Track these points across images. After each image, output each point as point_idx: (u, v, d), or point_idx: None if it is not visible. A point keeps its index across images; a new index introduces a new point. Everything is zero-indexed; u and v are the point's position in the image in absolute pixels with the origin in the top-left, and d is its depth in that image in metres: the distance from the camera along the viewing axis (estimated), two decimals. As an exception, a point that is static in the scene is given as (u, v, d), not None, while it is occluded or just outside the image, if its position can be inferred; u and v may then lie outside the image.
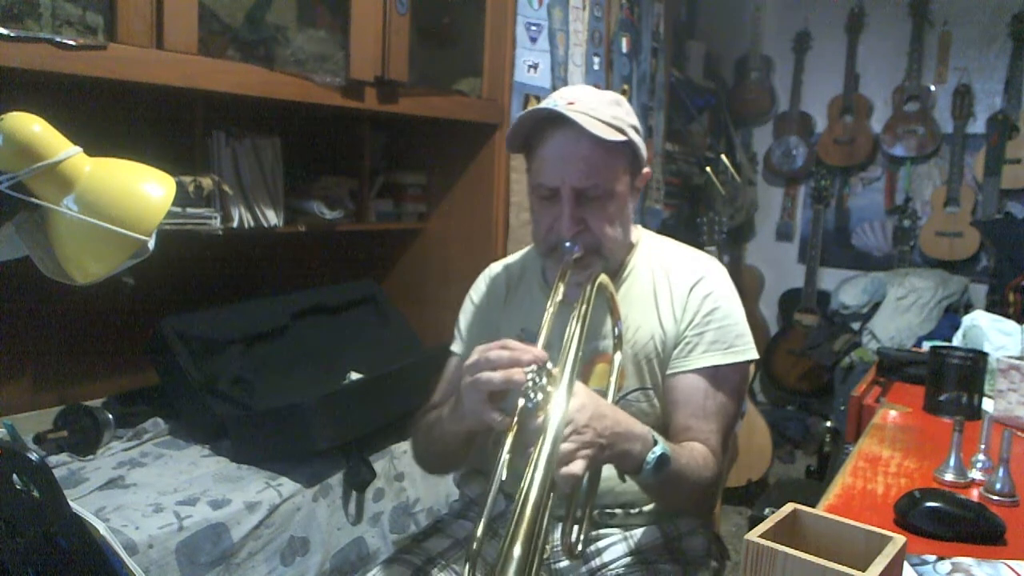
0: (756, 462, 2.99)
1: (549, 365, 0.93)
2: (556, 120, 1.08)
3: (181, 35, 1.42)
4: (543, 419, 0.87)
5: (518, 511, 0.78)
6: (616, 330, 1.13)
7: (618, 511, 1.17)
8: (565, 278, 1.08)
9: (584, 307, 1.02)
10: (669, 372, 1.16)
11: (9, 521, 0.67)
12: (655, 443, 0.98)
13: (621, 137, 1.09)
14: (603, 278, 1.09)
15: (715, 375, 1.14)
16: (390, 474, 1.75)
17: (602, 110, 1.09)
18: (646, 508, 1.17)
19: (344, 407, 1.61)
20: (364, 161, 2.21)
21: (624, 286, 1.21)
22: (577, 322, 0.99)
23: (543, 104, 1.11)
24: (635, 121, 1.14)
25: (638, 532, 1.17)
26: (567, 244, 1.10)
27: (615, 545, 1.16)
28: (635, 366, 1.17)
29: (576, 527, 0.97)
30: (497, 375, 0.93)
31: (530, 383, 0.90)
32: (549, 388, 0.90)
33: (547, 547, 1.16)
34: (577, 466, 0.87)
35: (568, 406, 0.89)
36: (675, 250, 1.26)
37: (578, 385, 0.94)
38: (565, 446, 0.87)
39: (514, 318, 1.25)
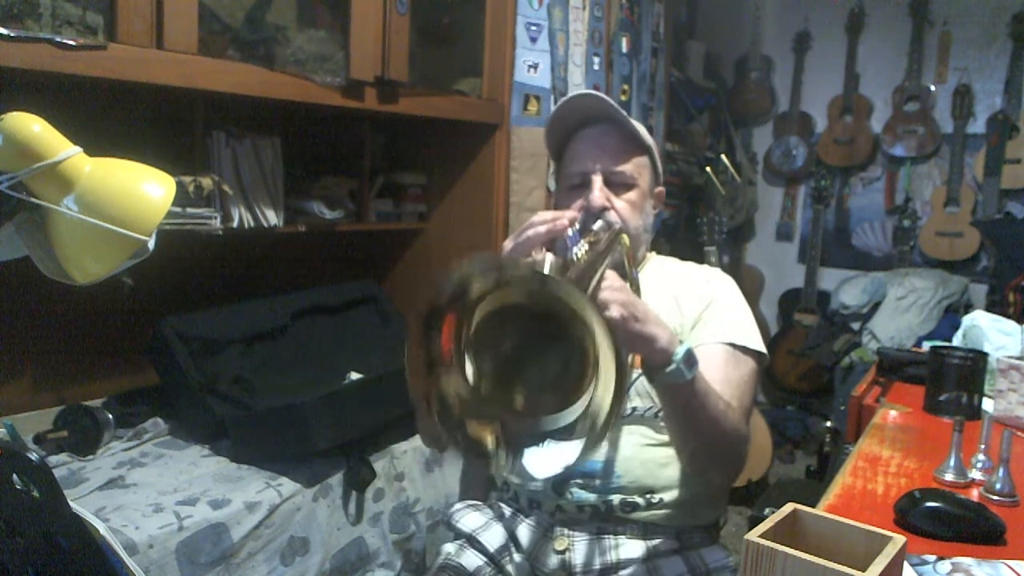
0: (756, 462, 2.99)
1: (586, 244, 1.00)
2: (589, 120, 1.25)
3: (181, 35, 1.42)
4: (581, 270, 0.92)
5: None
6: (633, 285, 1.16)
7: (639, 500, 1.16)
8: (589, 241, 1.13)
9: (609, 239, 1.11)
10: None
11: (9, 521, 0.67)
12: (681, 342, 1.00)
13: (645, 140, 1.25)
14: (623, 237, 1.16)
15: (734, 351, 1.19)
16: (390, 474, 1.75)
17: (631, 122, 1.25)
18: (667, 497, 1.16)
19: (344, 407, 1.61)
20: (364, 161, 2.20)
21: (642, 276, 1.26)
22: (605, 245, 1.07)
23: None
24: (656, 144, 1.30)
25: (661, 563, 1.15)
26: (593, 218, 1.19)
27: None
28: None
29: None
30: (542, 227, 1.00)
31: (570, 232, 0.98)
32: (586, 254, 0.97)
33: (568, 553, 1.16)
34: (614, 312, 0.89)
35: (605, 270, 0.94)
36: (686, 262, 1.38)
37: None
38: (603, 294, 0.90)
39: None
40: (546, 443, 0.73)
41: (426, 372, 0.74)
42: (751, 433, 1.19)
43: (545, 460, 0.72)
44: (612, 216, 1.20)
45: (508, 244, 1.04)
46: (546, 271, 0.81)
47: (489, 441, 0.73)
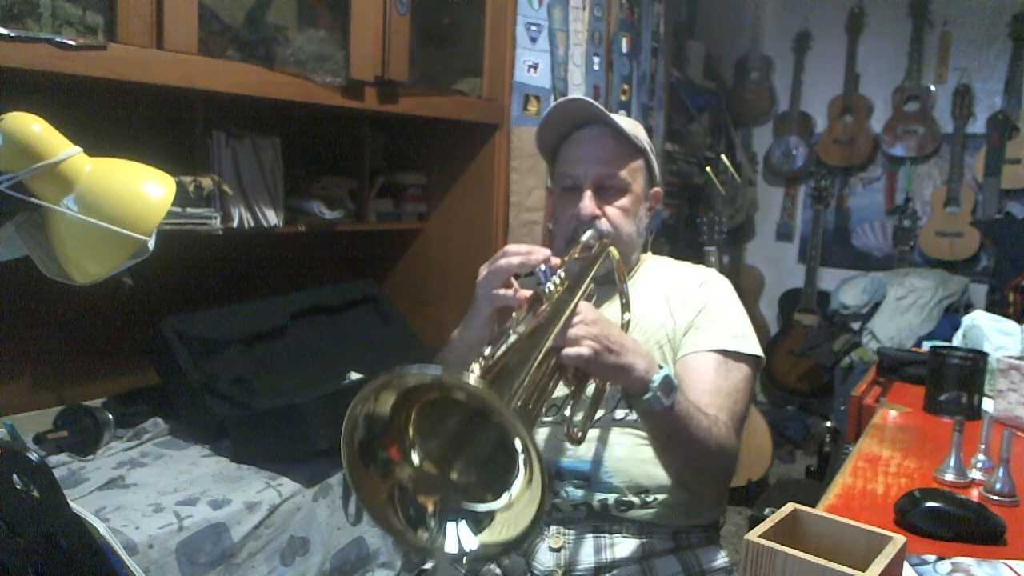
0: (756, 462, 2.99)
1: (562, 273, 0.99)
2: (582, 123, 1.24)
3: (181, 35, 1.42)
4: (553, 305, 0.91)
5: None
6: (623, 298, 1.17)
7: (634, 499, 1.15)
8: (577, 252, 1.13)
9: (595, 255, 1.11)
10: (681, 354, 1.20)
11: (9, 521, 0.67)
12: (660, 368, 1.00)
13: (639, 142, 1.24)
14: (612, 249, 1.16)
15: (726, 358, 1.18)
16: (390, 474, 1.75)
17: (625, 124, 1.24)
18: (661, 497, 1.16)
19: (344, 407, 1.60)
20: (364, 161, 2.20)
21: (635, 280, 1.28)
22: (588, 263, 1.07)
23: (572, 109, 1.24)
24: (651, 145, 1.29)
25: (656, 562, 1.15)
26: (584, 226, 1.19)
27: None
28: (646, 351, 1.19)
29: (579, 417, 1.00)
30: (515, 258, 1.00)
31: (543, 267, 0.98)
32: (560, 286, 0.96)
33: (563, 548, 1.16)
34: (584, 349, 0.89)
35: (578, 303, 0.94)
36: (681, 263, 1.37)
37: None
38: (573, 331, 0.90)
39: None
40: (462, 522, 0.72)
41: (383, 479, 0.74)
42: (750, 435, 1.19)
43: (456, 536, 0.72)
44: (603, 224, 1.20)
45: (483, 270, 1.03)
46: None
47: (429, 511, 0.73)
